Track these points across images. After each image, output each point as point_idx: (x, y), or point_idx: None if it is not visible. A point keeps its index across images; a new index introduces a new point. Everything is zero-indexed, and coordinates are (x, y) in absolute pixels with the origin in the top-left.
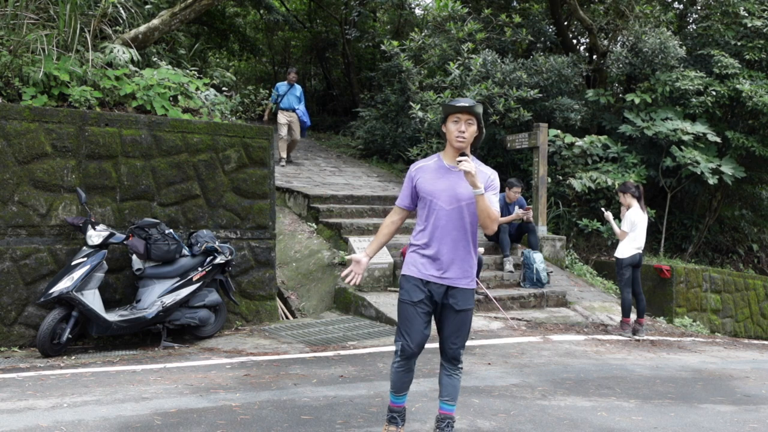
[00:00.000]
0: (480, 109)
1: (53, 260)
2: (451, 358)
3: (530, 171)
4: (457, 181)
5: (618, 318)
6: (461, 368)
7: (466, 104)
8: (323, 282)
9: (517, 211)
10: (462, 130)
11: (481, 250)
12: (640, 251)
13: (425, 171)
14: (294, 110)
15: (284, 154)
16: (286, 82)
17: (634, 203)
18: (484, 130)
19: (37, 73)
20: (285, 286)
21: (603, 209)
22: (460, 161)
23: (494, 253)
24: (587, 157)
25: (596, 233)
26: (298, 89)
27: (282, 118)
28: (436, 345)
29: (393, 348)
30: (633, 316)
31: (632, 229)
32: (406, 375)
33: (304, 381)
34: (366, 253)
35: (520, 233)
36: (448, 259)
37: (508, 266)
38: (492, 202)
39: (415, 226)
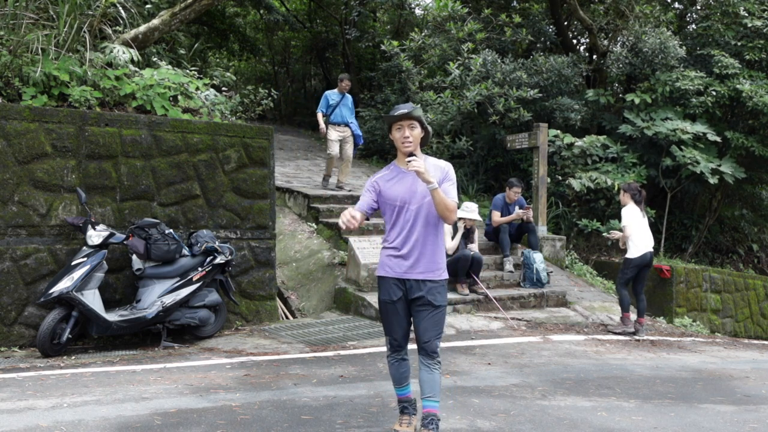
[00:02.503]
0: (418, 112)
1: (53, 260)
2: (429, 351)
3: (530, 171)
4: (414, 181)
5: (618, 318)
6: (439, 361)
7: (405, 110)
8: (323, 282)
9: (517, 211)
10: (406, 136)
11: (474, 246)
12: (651, 250)
13: (385, 179)
14: (347, 124)
15: (339, 177)
16: (336, 91)
17: (630, 203)
18: (429, 129)
19: (37, 73)
20: (285, 286)
21: (606, 235)
22: (409, 161)
23: (494, 253)
24: (587, 157)
25: (596, 233)
26: (349, 99)
27: (333, 133)
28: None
29: None
30: (633, 315)
31: (631, 229)
32: (401, 366)
33: (304, 381)
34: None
35: (520, 233)
36: (418, 254)
37: (508, 266)
38: (448, 192)
39: (384, 232)
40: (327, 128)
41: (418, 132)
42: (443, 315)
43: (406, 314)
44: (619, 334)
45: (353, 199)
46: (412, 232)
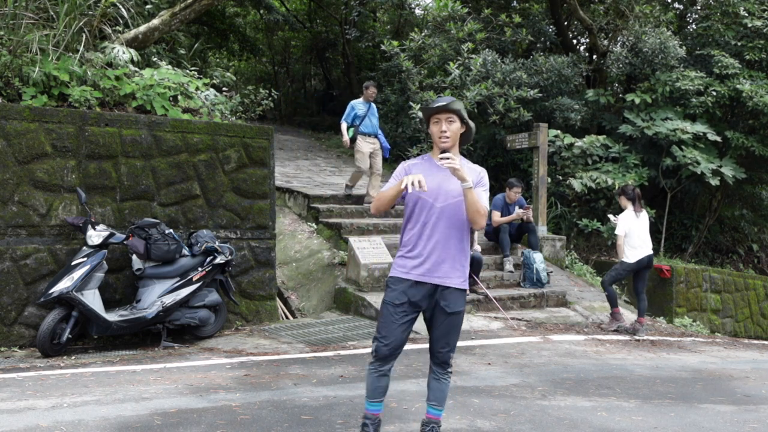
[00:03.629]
0: (459, 105)
1: (53, 260)
2: (440, 362)
3: (530, 171)
4: (447, 177)
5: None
6: (450, 372)
7: (443, 103)
8: (323, 282)
9: (518, 211)
10: (444, 130)
11: (478, 248)
12: (648, 254)
13: (417, 168)
14: (376, 135)
15: (369, 191)
16: (362, 99)
17: (628, 206)
18: (471, 125)
19: (37, 73)
20: (285, 286)
21: (611, 216)
22: (442, 158)
23: (494, 253)
24: (587, 157)
25: (596, 233)
26: (374, 108)
27: (365, 145)
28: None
29: None
30: (635, 316)
31: (627, 234)
32: (380, 380)
33: (303, 381)
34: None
35: (520, 233)
36: (438, 257)
37: (508, 266)
38: (481, 197)
39: (402, 231)
40: (356, 140)
41: (456, 127)
42: (460, 325)
43: (409, 323)
44: (614, 331)
45: (353, 199)
46: (434, 232)
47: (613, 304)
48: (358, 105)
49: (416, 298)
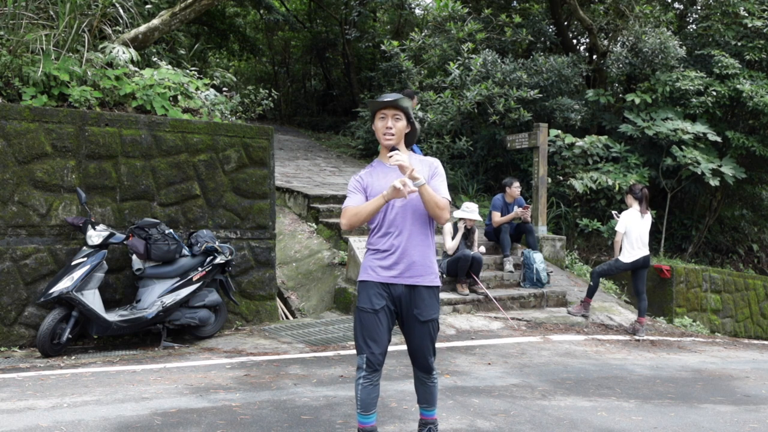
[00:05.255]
0: (407, 103)
1: (53, 260)
2: (423, 369)
3: (530, 171)
4: (398, 177)
5: (618, 318)
6: (436, 375)
7: (391, 98)
8: (323, 282)
9: (516, 210)
10: (389, 126)
11: (483, 249)
12: (645, 254)
13: (370, 176)
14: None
15: None
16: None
17: (634, 205)
18: (417, 126)
19: (36, 73)
20: (285, 286)
21: (614, 212)
22: (391, 156)
23: (494, 253)
24: (588, 158)
25: (596, 233)
26: None
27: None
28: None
29: (392, 348)
30: (635, 317)
31: (627, 232)
32: (373, 390)
33: (303, 381)
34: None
35: (519, 233)
36: (407, 257)
37: (508, 266)
38: (438, 189)
39: (369, 234)
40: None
41: (402, 125)
42: (437, 328)
43: (388, 327)
44: (573, 315)
45: None
46: (400, 232)
47: (590, 294)
48: None
49: (390, 299)
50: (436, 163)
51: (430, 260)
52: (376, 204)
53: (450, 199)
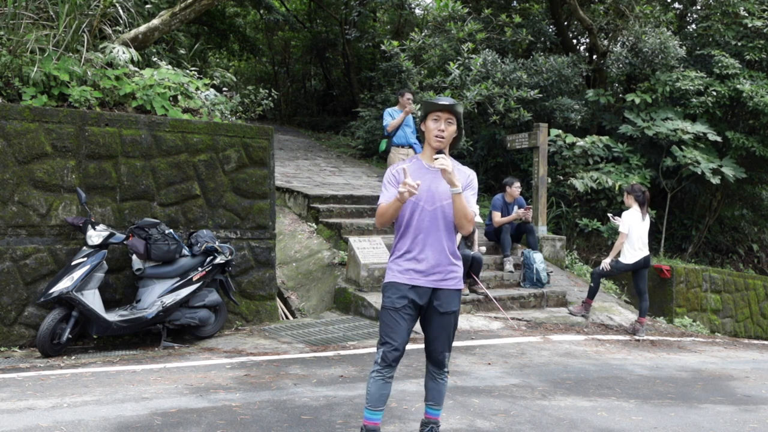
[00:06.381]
0: (461, 109)
1: (53, 260)
2: (436, 363)
3: (530, 171)
4: (437, 179)
5: (618, 318)
6: (447, 372)
7: (447, 102)
8: (323, 282)
9: (517, 211)
10: (441, 129)
11: (483, 249)
12: (646, 255)
13: (407, 170)
14: (411, 146)
15: None
16: (397, 108)
17: (635, 206)
18: (463, 132)
19: (37, 73)
20: (285, 286)
21: (610, 215)
22: (437, 158)
23: (494, 253)
24: (588, 157)
25: (596, 233)
26: (410, 117)
27: (398, 158)
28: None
29: None
30: (635, 317)
31: (628, 233)
32: (385, 386)
33: (303, 381)
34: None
35: (519, 233)
36: (433, 260)
37: (508, 266)
38: (469, 201)
39: (395, 235)
40: (388, 152)
41: (453, 129)
42: (455, 325)
43: (409, 327)
44: (574, 315)
45: (353, 199)
46: (427, 235)
47: (591, 295)
48: (394, 113)
49: (413, 299)
50: (472, 175)
51: (455, 265)
52: (395, 206)
53: (477, 212)
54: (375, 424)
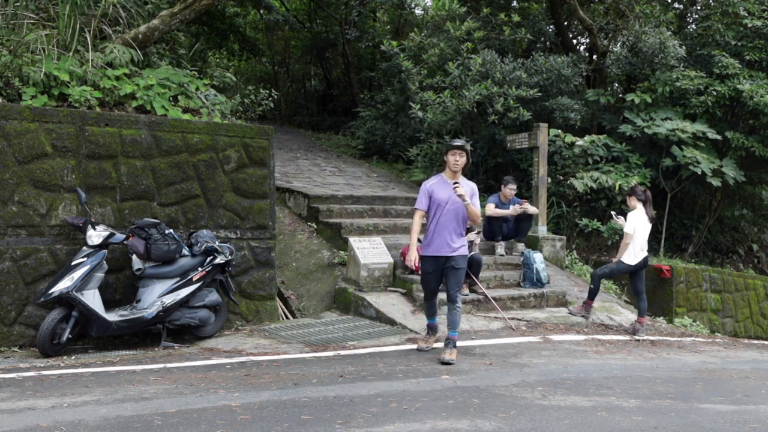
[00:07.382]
0: (468, 147)
1: (53, 260)
2: (452, 299)
3: (530, 171)
4: (453, 192)
5: (618, 318)
6: (459, 306)
7: (461, 143)
8: (323, 282)
9: (515, 207)
10: (457, 160)
11: (480, 237)
12: (645, 254)
13: (435, 186)
14: None
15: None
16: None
17: (639, 206)
18: (470, 160)
19: (37, 73)
20: (285, 286)
21: (613, 213)
22: (455, 187)
23: (494, 254)
24: (588, 157)
25: (596, 233)
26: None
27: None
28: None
29: (393, 348)
30: (635, 317)
31: (634, 233)
32: (432, 306)
33: (304, 381)
34: (413, 243)
35: (518, 231)
36: (450, 239)
37: (500, 250)
38: (475, 204)
39: (428, 224)
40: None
41: (464, 160)
42: (463, 274)
43: (438, 279)
44: (574, 315)
45: (353, 199)
46: (446, 224)
47: (591, 297)
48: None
49: (438, 265)
50: (474, 186)
51: (462, 241)
52: (414, 238)
53: (479, 211)
54: (433, 324)
